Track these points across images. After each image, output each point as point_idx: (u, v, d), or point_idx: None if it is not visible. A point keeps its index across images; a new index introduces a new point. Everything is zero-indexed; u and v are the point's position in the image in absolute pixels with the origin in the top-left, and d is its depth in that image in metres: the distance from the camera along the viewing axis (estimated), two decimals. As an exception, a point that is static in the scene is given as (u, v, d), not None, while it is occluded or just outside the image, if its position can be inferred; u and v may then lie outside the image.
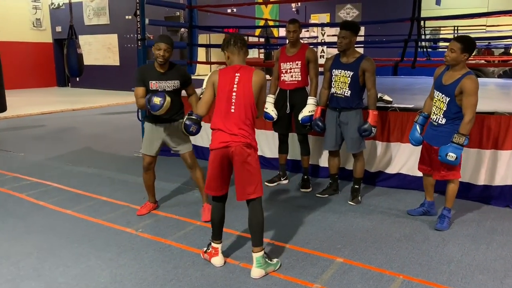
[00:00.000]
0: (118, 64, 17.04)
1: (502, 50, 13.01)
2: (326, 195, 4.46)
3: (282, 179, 4.93)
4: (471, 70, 3.46)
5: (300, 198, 4.47)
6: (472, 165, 4.27)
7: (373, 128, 4.04)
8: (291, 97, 4.51)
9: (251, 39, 12.65)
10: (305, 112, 4.36)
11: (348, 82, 4.05)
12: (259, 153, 5.43)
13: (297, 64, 4.42)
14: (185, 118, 3.20)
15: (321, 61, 4.58)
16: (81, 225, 3.78)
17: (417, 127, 3.77)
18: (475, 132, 4.17)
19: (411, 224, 3.76)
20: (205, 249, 3.15)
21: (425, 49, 8.76)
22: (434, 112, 3.59)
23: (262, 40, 12.51)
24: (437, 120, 3.54)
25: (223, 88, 2.88)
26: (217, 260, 3.03)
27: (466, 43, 3.34)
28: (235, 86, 2.86)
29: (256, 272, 2.87)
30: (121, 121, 9.67)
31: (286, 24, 4.44)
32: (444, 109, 3.45)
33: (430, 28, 11.87)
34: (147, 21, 6.13)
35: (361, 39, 9.83)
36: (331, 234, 3.55)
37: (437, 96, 3.55)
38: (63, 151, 6.70)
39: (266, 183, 4.82)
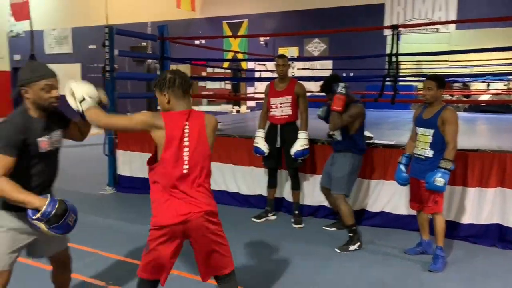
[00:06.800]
0: (80, 94, 16.47)
1: (460, 84, 13.58)
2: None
3: (269, 215, 4.75)
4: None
5: (291, 238, 4.21)
6: (457, 203, 4.19)
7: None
8: (282, 132, 4.48)
9: (218, 70, 12.54)
10: (297, 147, 4.32)
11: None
12: (235, 189, 5.32)
13: (287, 99, 4.43)
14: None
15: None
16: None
17: (402, 167, 3.77)
18: (460, 169, 4.12)
19: (402, 265, 3.60)
20: None
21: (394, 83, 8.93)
22: (419, 147, 3.61)
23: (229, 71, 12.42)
24: (423, 154, 3.57)
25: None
26: None
27: (440, 80, 3.57)
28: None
29: None
30: (85, 153, 9.13)
31: (275, 58, 4.48)
32: (430, 141, 3.52)
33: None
34: (116, 52, 5.89)
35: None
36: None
37: (421, 131, 3.61)
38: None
39: (253, 219, 4.68)
